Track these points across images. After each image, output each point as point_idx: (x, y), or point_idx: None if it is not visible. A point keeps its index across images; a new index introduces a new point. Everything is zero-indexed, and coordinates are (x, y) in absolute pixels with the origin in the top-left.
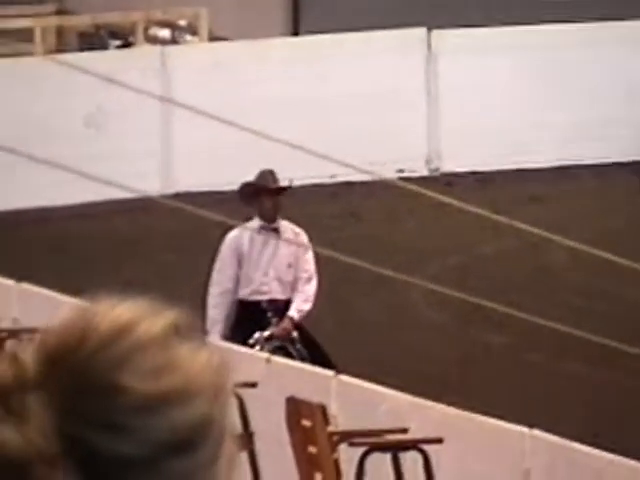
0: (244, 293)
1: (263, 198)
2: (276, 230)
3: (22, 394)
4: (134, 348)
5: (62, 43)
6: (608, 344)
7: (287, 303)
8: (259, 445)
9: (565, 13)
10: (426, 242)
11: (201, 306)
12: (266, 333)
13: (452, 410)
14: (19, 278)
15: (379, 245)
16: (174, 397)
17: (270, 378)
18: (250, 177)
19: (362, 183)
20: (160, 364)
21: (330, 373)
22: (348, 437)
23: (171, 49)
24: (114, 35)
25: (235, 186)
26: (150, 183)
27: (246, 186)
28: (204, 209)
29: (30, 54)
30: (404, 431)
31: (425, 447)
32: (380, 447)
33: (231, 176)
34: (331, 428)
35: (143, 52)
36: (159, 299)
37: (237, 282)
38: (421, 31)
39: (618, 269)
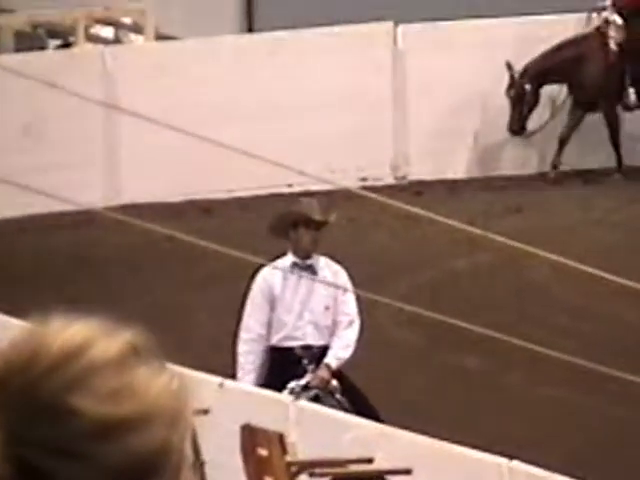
0: (276, 339)
1: (302, 230)
2: (311, 268)
3: None
4: (88, 370)
5: None
6: (594, 368)
7: (324, 350)
8: (211, 476)
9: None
10: (393, 257)
11: (154, 328)
12: (302, 382)
13: (422, 439)
14: None
15: (342, 260)
16: (131, 422)
17: (223, 404)
18: (201, 188)
19: (322, 193)
20: (116, 387)
21: (289, 399)
22: (308, 467)
23: (114, 49)
24: (53, 34)
25: (184, 197)
26: (94, 195)
27: (285, 215)
28: (152, 222)
29: None
30: (370, 461)
31: (393, 478)
32: (343, 478)
33: (180, 186)
34: (289, 457)
35: (84, 53)
36: (108, 319)
37: (269, 327)
38: (387, 25)
39: (606, 286)
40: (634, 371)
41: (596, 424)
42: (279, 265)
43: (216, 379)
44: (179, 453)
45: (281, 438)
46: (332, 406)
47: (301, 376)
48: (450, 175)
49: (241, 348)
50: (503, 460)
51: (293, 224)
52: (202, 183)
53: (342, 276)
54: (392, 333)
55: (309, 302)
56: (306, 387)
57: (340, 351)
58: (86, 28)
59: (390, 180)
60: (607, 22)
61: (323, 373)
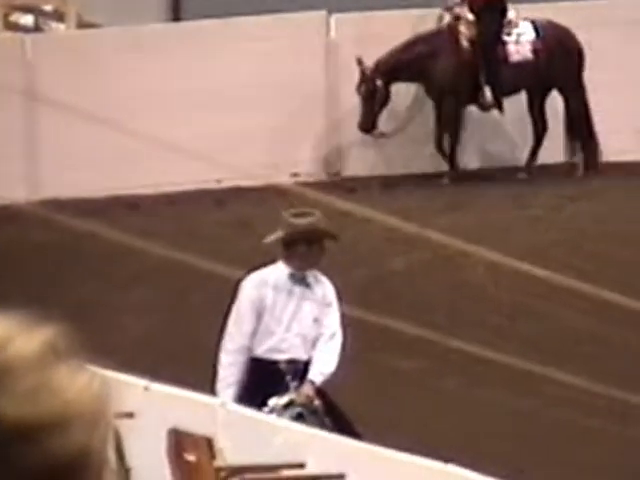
0: (261, 350)
1: (316, 245)
2: (305, 279)
3: None
4: (4, 369)
5: None
6: (531, 369)
7: (308, 364)
8: None
9: None
10: (326, 255)
11: (76, 327)
12: (284, 400)
13: (354, 443)
14: None
15: (272, 258)
16: (50, 423)
17: (149, 407)
18: (126, 183)
19: (252, 189)
20: (34, 387)
21: (217, 401)
22: (238, 473)
23: (35, 37)
24: None
25: (108, 192)
26: (14, 189)
27: (303, 229)
28: (75, 218)
29: None
30: (301, 466)
31: None
32: None
33: (105, 181)
34: (218, 463)
35: (3, 41)
36: (28, 318)
37: (253, 337)
38: (320, 14)
39: (545, 286)
40: (572, 373)
41: (533, 427)
42: (271, 275)
43: (141, 381)
44: (100, 455)
45: (209, 443)
46: (316, 426)
47: (283, 393)
48: (385, 171)
49: (224, 359)
50: (438, 464)
51: (309, 238)
52: (127, 178)
53: (329, 287)
54: None
55: (298, 314)
56: (288, 404)
57: (324, 366)
58: (5, 15)
59: (323, 177)
60: (458, 18)
61: (308, 390)
